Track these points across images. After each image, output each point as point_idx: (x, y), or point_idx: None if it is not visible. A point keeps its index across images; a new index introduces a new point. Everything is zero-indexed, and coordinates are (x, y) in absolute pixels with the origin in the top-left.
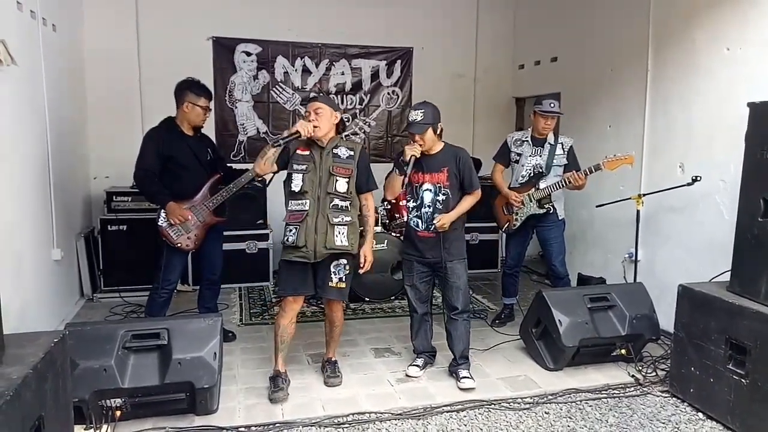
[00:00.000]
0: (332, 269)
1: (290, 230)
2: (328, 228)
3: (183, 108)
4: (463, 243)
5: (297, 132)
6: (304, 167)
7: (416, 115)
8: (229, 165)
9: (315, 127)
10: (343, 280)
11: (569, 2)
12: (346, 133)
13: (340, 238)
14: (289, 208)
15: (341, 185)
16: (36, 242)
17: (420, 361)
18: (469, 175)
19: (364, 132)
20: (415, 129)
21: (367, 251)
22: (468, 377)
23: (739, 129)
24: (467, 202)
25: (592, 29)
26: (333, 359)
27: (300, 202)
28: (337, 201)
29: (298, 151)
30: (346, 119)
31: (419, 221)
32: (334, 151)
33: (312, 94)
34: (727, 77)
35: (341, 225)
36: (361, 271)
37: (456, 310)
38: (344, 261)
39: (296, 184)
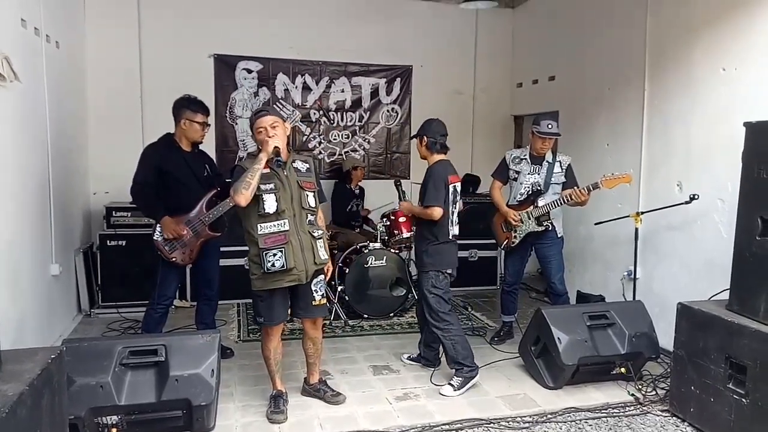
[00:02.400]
0: (313, 288)
1: (274, 254)
2: (313, 244)
3: (181, 125)
4: (426, 256)
5: (276, 148)
6: (272, 186)
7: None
8: (228, 180)
9: (272, 130)
10: (324, 296)
11: (567, 22)
12: (345, 150)
13: (323, 252)
14: (261, 232)
15: (311, 199)
16: (34, 257)
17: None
18: (424, 189)
19: (364, 149)
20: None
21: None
22: (448, 384)
23: (737, 148)
24: (419, 209)
25: (589, 49)
26: (324, 379)
27: (277, 222)
28: (310, 216)
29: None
30: (345, 136)
31: None
32: (294, 165)
33: (261, 110)
34: (724, 97)
35: (320, 239)
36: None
37: None
38: (321, 276)
39: (270, 205)
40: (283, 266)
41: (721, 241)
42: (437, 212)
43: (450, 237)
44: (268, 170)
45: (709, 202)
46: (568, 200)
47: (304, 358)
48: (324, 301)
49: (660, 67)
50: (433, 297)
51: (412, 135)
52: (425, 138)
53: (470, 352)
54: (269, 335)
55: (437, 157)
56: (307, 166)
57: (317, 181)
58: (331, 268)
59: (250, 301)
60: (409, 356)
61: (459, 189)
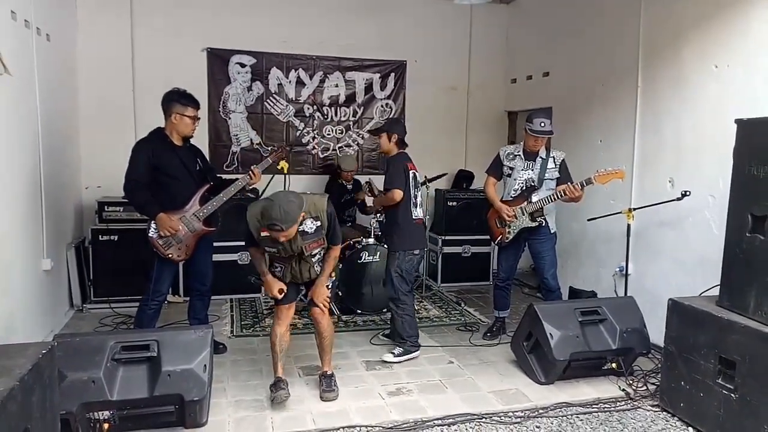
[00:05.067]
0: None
1: (276, 267)
2: (310, 268)
3: (171, 119)
4: (394, 237)
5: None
6: (274, 250)
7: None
8: (219, 175)
9: (284, 239)
10: (329, 287)
11: (561, 18)
12: (339, 145)
13: (317, 267)
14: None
15: (315, 252)
16: (26, 252)
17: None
18: (386, 176)
19: (358, 144)
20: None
21: (317, 291)
22: (390, 353)
23: (728, 145)
24: (382, 197)
25: (583, 46)
26: (329, 372)
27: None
28: (311, 259)
29: (262, 233)
30: (339, 131)
31: None
32: (301, 228)
33: (272, 223)
34: (715, 94)
35: (318, 262)
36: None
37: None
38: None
39: (270, 257)
40: (282, 277)
41: (712, 238)
42: (398, 194)
43: (414, 218)
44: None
45: (700, 198)
46: (561, 196)
47: (298, 354)
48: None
49: (653, 64)
50: (397, 276)
51: (372, 130)
52: (395, 135)
53: (416, 332)
54: (279, 318)
55: (397, 150)
56: (318, 224)
57: (330, 226)
58: (320, 299)
59: (243, 296)
60: (384, 333)
61: (418, 177)
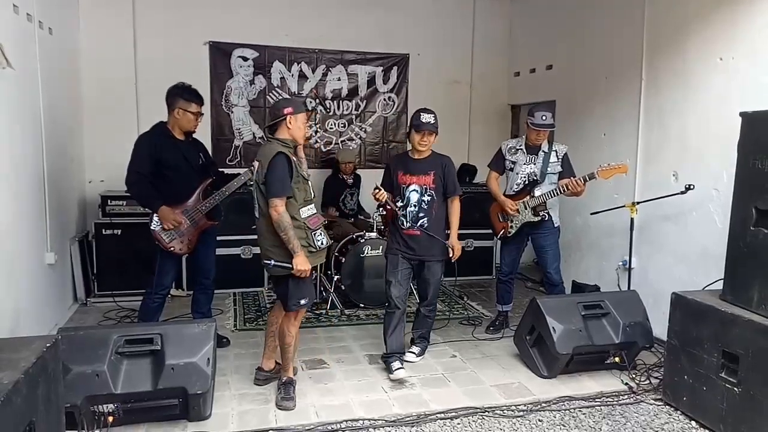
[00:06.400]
0: None
1: (320, 234)
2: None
3: (174, 114)
4: (440, 246)
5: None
6: (307, 174)
7: (430, 118)
8: (220, 170)
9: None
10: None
11: (565, 11)
12: (342, 139)
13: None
14: (305, 216)
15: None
16: (30, 246)
17: (399, 363)
18: (452, 180)
19: (360, 138)
20: (430, 128)
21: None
22: (412, 353)
23: (732, 138)
24: (456, 215)
25: (587, 38)
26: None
27: (311, 205)
28: None
29: (294, 158)
30: (342, 125)
31: (404, 220)
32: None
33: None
34: (720, 87)
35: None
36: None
37: (425, 301)
38: None
39: (310, 191)
40: (328, 242)
41: (715, 231)
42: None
43: None
44: (295, 158)
45: (704, 192)
46: (564, 190)
47: (301, 348)
48: None
49: (657, 57)
50: (438, 283)
51: (423, 128)
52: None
53: None
54: (296, 321)
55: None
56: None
57: None
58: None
59: (246, 290)
60: (403, 369)
61: None
